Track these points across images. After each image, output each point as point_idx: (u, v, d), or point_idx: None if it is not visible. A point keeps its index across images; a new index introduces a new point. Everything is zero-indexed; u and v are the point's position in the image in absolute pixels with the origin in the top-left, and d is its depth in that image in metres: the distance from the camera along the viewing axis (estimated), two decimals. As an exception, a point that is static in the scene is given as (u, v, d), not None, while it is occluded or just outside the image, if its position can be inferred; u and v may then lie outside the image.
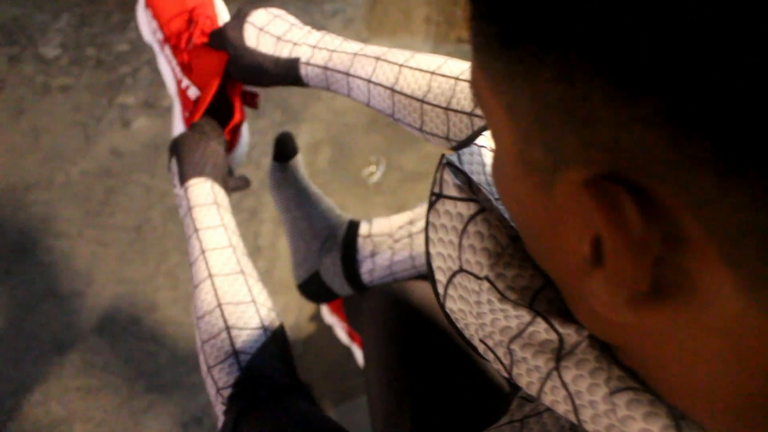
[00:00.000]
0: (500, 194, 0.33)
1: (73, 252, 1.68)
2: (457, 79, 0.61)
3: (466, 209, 0.37)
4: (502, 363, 0.36)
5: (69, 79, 2.12)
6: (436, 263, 0.40)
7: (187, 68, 0.84)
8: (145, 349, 1.51)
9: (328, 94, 2.09)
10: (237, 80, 0.82)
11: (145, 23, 0.90)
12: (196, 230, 0.71)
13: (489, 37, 0.26)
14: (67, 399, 1.47)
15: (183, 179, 0.75)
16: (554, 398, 0.33)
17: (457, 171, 0.39)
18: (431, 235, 0.40)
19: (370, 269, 0.90)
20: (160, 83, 2.10)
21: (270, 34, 0.73)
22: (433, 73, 0.62)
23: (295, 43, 0.72)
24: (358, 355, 1.45)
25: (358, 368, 1.45)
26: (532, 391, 0.34)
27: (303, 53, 0.71)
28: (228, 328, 0.63)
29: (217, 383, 0.60)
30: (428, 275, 0.41)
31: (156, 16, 0.86)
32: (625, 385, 0.30)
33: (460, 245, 0.37)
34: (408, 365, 0.80)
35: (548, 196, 0.27)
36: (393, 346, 0.82)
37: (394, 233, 0.90)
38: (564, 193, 0.25)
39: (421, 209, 0.90)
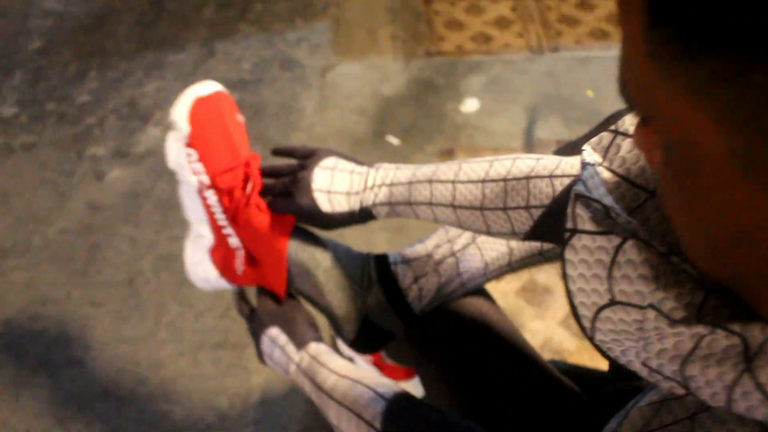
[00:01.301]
0: (684, 206, 0.32)
1: (63, 317, 1.57)
2: (505, 180, 0.63)
3: (607, 242, 0.38)
4: (675, 381, 0.35)
5: (31, 136, 2.01)
6: (579, 299, 0.41)
7: (234, 220, 0.83)
8: (156, 410, 1.40)
9: (307, 121, 2.03)
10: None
11: (179, 156, 0.82)
12: (342, 376, 0.74)
13: (689, 43, 0.26)
14: (78, 476, 1.35)
15: (300, 346, 0.81)
16: (748, 404, 0.31)
17: (589, 202, 0.41)
18: (570, 272, 0.42)
19: (417, 296, 0.83)
20: (129, 130, 2.01)
21: (338, 192, 0.76)
22: (483, 181, 0.64)
23: (360, 192, 0.75)
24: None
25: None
26: (719, 402, 0.32)
27: (370, 199, 0.74)
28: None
29: None
30: (572, 312, 0.43)
31: (205, 163, 0.81)
32: None
33: (609, 277, 0.38)
34: (493, 386, 0.75)
35: None
36: (473, 367, 0.77)
37: (433, 254, 0.83)
38: None
39: (454, 231, 0.84)
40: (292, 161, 0.83)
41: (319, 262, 0.84)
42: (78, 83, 2.17)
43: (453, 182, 0.66)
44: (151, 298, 1.60)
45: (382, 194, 0.73)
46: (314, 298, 0.85)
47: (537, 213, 0.59)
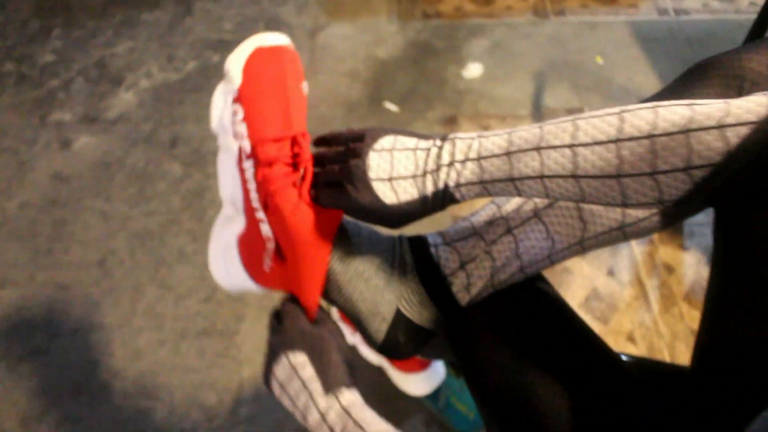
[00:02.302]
0: None
1: (25, 302, 1.39)
2: (651, 137, 0.49)
3: None
4: None
5: (-13, 100, 1.80)
6: None
7: (265, 204, 0.66)
8: (134, 408, 1.24)
9: (295, 86, 1.85)
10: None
11: (224, 112, 0.68)
12: None
13: None
14: (45, 482, 1.19)
15: (330, 388, 0.65)
16: None
17: None
18: None
19: (464, 285, 0.67)
20: (98, 94, 1.82)
21: (403, 177, 0.59)
22: (617, 140, 0.50)
23: (433, 171, 0.58)
24: (393, 375, 1.24)
25: (396, 389, 1.23)
26: None
27: (452, 178, 0.57)
28: None
29: None
30: None
31: (249, 124, 0.65)
32: None
33: None
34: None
35: None
36: (535, 369, 0.63)
37: (483, 233, 0.68)
38: None
39: (509, 203, 0.69)
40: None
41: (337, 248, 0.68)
42: (40, 42, 1.96)
43: (571, 146, 0.52)
44: (125, 281, 1.43)
45: (469, 171, 0.57)
46: (330, 292, 0.69)
47: (700, 174, 0.45)
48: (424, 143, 0.60)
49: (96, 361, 1.30)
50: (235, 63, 0.66)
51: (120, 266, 1.45)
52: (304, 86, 0.69)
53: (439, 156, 0.58)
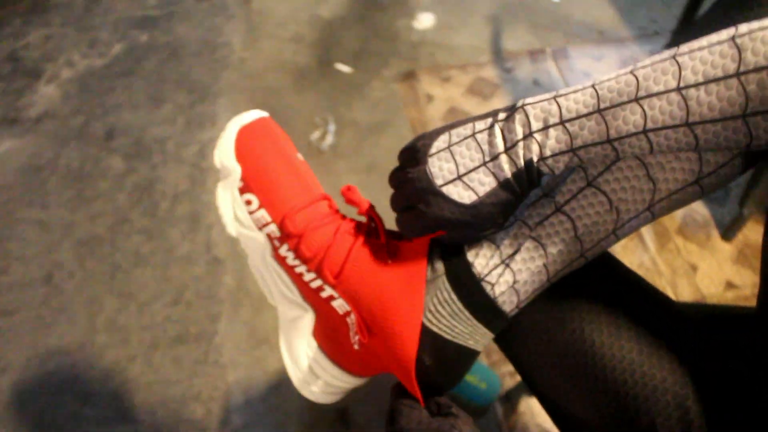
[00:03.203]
0: None
1: (-35, 334, 1.22)
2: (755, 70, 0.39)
3: None
4: None
5: None
6: None
7: (321, 271, 0.58)
8: (111, 434, 1.10)
9: (236, 56, 1.69)
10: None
11: (237, 210, 0.61)
12: None
13: None
14: None
15: None
16: None
17: None
18: None
19: (510, 284, 0.54)
20: (14, 91, 1.62)
21: (472, 170, 0.50)
22: (740, 74, 0.41)
23: (508, 149, 0.49)
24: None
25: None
26: None
27: (533, 152, 0.48)
28: None
29: None
30: None
31: (268, 205, 0.59)
32: None
33: None
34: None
35: None
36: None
37: (527, 218, 0.55)
38: None
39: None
40: None
41: None
42: (-62, 41, 1.73)
43: (678, 90, 0.43)
44: (78, 295, 1.26)
45: (554, 140, 0.47)
46: None
47: None
48: (481, 123, 0.51)
49: (59, 389, 1.14)
50: (225, 153, 0.60)
51: (70, 280, 1.28)
52: (299, 156, 0.64)
53: (509, 130, 0.49)
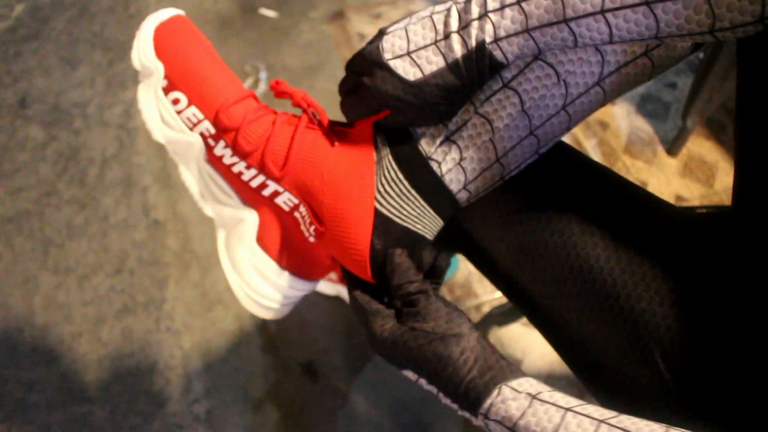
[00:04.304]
0: None
1: None
2: None
3: None
4: None
5: None
6: None
7: (264, 166, 0.54)
8: (66, 418, 1.03)
9: (151, 10, 1.58)
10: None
11: (162, 113, 0.56)
12: None
13: None
14: None
15: (473, 408, 0.44)
16: None
17: None
18: None
19: (457, 161, 0.51)
20: None
21: (422, 47, 0.47)
22: None
23: (460, 29, 0.46)
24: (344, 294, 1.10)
25: (360, 335, 1.09)
26: None
27: (483, 33, 0.45)
28: None
29: None
30: None
31: (199, 102, 0.54)
32: None
33: None
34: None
35: None
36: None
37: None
38: None
39: None
40: None
41: None
42: None
43: None
44: (10, 276, 1.17)
45: (509, 20, 0.44)
46: None
47: None
48: (441, 6, 0.47)
49: (2, 378, 1.06)
50: (144, 52, 0.56)
51: (-2, 260, 1.19)
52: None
53: (466, 11, 0.46)
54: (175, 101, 0.55)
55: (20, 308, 1.14)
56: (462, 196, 0.53)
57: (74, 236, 1.21)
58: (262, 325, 1.11)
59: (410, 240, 0.53)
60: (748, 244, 0.46)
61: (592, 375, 0.52)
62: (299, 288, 0.60)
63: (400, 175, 0.52)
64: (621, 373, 0.48)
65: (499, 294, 1.18)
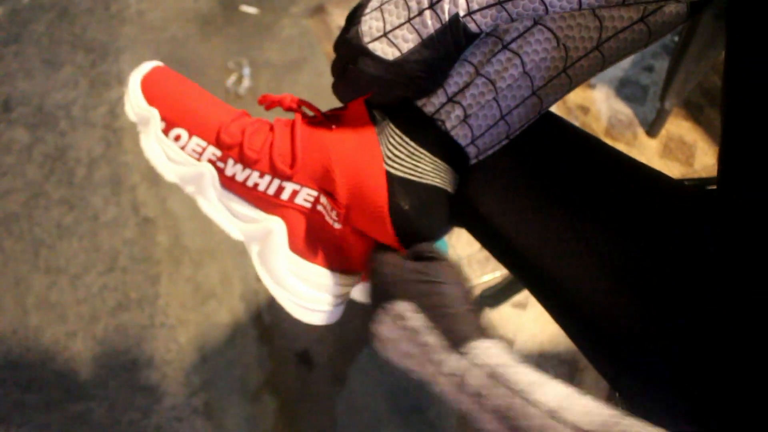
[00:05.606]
0: None
1: None
2: None
3: None
4: None
5: None
6: None
7: (274, 165, 0.56)
8: (65, 416, 1.03)
9: (133, 9, 1.58)
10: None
11: (168, 153, 0.58)
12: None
13: None
14: None
15: (458, 343, 0.47)
16: None
17: None
18: None
19: (461, 118, 0.53)
20: None
21: (397, 26, 0.49)
22: None
23: (433, 4, 0.48)
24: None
25: (354, 322, 1.11)
26: None
27: (456, 7, 0.47)
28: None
29: None
30: None
31: (199, 131, 0.58)
32: None
33: None
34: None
35: None
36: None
37: (472, 56, 0.53)
38: None
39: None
40: None
41: None
42: None
43: None
44: (1, 278, 1.17)
45: None
46: None
47: None
48: None
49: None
50: (137, 103, 0.59)
51: (-12, 263, 1.19)
52: None
53: None
54: (177, 138, 0.58)
55: (13, 310, 1.14)
56: (471, 151, 0.55)
57: (64, 236, 1.22)
58: (257, 316, 1.12)
59: (434, 194, 0.55)
60: (732, 219, 0.48)
61: (593, 340, 0.54)
62: (344, 283, 0.60)
63: (405, 138, 0.54)
64: (618, 328, 0.50)
65: (488, 277, 1.20)
